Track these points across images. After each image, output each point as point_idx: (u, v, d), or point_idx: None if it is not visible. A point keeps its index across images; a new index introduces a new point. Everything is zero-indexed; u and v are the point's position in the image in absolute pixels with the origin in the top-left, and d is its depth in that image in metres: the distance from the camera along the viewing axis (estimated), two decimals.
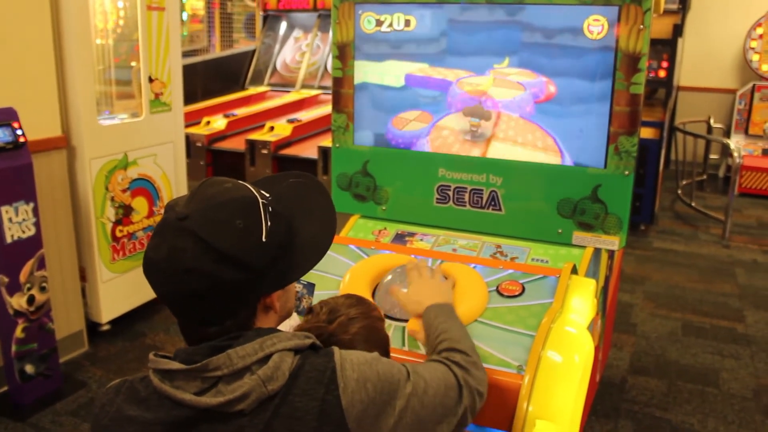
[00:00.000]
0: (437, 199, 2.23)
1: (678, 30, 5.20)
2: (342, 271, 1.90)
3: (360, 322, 1.37)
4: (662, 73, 5.27)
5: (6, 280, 2.67)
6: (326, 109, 7.22)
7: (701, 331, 3.66)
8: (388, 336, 1.44)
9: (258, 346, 1.01)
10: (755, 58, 7.17)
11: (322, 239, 1.17)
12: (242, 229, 1.00)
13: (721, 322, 3.77)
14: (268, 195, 1.08)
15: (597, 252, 2.15)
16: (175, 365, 1.00)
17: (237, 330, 1.04)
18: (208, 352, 1.00)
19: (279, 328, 1.15)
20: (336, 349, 1.08)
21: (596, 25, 1.90)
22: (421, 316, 1.50)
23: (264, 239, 1.02)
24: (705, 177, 7.12)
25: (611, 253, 2.39)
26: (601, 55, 1.92)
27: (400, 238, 2.23)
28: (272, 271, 1.04)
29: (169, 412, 0.99)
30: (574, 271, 1.85)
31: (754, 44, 7.15)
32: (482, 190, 2.16)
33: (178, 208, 1.01)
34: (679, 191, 6.24)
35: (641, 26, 1.85)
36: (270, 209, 1.05)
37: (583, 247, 2.08)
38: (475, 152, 2.16)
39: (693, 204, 5.92)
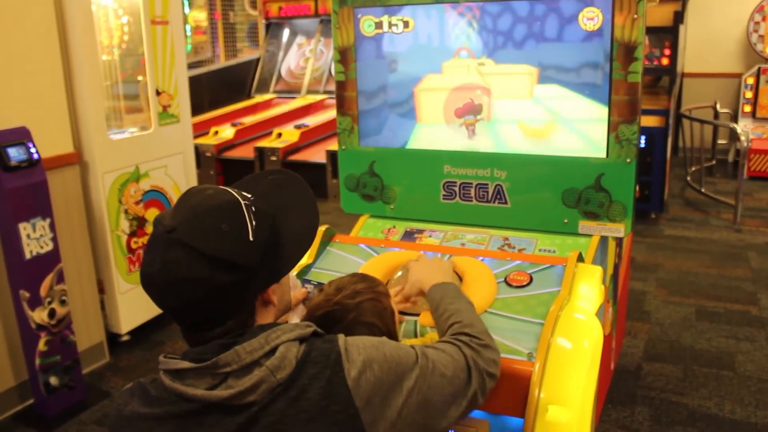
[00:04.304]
0: (444, 195, 2.27)
1: (679, 17, 5.20)
2: (352, 270, 1.94)
3: (366, 295, 1.43)
4: (665, 61, 5.27)
5: (27, 295, 2.73)
6: (332, 113, 7.27)
7: (715, 315, 3.66)
8: (393, 309, 1.49)
9: (263, 340, 1.05)
10: (759, 41, 7.15)
11: (307, 229, 1.21)
12: (229, 232, 1.04)
13: (735, 306, 3.77)
14: (249, 195, 1.12)
15: (604, 240, 2.17)
16: (186, 364, 1.04)
17: (239, 328, 1.08)
18: (216, 350, 1.04)
19: (291, 316, 1.19)
20: (341, 335, 1.12)
21: (591, 17, 1.93)
22: (425, 296, 1.53)
23: (251, 238, 1.05)
24: (714, 162, 7.10)
25: (619, 241, 2.42)
26: (597, 46, 1.95)
27: (409, 235, 2.27)
28: (264, 267, 1.08)
29: (181, 407, 1.03)
30: (581, 259, 1.88)
31: (757, 27, 7.13)
32: (487, 184, 2.20)
33: (165, 221, 1.04)
34: (689, 178, 6.23)
35: (635, 15, 1.88)
36: (253, 209, 1.08)
37: (590, 235, 2.11)
38: (478, 147, 2.19)
39: (703, 190, 5.92)
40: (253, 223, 1.07)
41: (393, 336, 1.46)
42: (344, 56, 2.30)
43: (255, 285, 1.08)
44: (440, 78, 2.19)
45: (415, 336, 1.66)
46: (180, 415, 1.03)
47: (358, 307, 1.40)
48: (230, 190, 1.11)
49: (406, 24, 2.18)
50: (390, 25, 2.20)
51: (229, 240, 1.03)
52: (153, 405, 1.05)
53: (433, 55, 2.18)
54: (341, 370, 1.06)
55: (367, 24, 2.23)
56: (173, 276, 1.01)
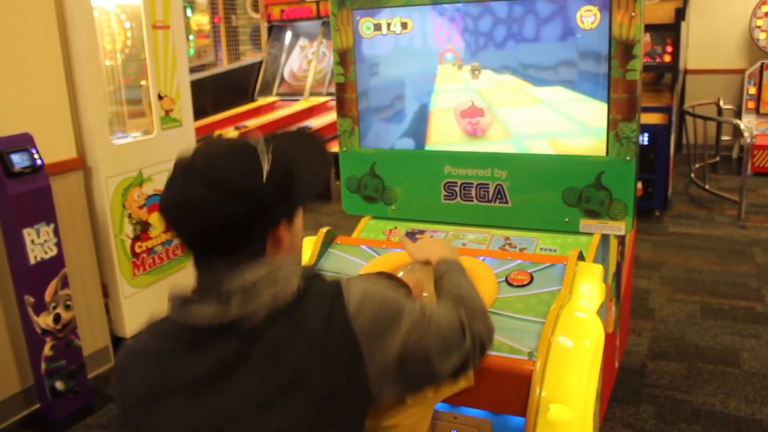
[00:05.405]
0: (445, 195, 2.27)
1: (680, 14, 5.20)
2: (354, 271, 1.95)
3: None
4: (667, 58, 5.26)
5: (32, 300, 2.74)
6: (335, 115, 7.26)
7: (720, 312, 3.66)
8: None
9: (268, 269, 1.10)
10: (762, 36, 7.13)
11: (320, 172, 1.28)
12: (246, 166, 1.09)
13: (740, 303, 3.77)
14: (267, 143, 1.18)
15: (606, 238, 2.17)
16: (191, 294, 1.10)
17: (248, 261, 1.12)
18: (222, 278, 1.08)
19: None
20: (341, 278, 1.19)
21: (588, 16, 1.93)
22: (431, 266, 1.56)
23: (266, 173, 1.10)
24: (718, 159, 7.08)
25: (621, 239, 2.42)
26: (595, 45, 1.95)
27: (410, 236, 2.27)
28: (277, 202, 1.12)
29: (186, 335, 1.08)
30: (581, 257, 1.88)
31: (759, 22, 7.11)
32: (488, 184, 2.20)
33: (184, 158, 1.11)
34: (692, 175, 6.21)
35: (633, 13, 1.88)
36: (270, 150, 1.14)
37: (591, 234, 2.11)
38: (479, 148, 2.20)
39: (707, 187, 5.90)
40: (269, 160, 1.12)
41: None
42: (344, 58, 2.31)
43: (267, 219, 1.12)
44: (450, 87, 2.20)
45: None
46: (185, 341, 1.08)
47: None
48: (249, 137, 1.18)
49: (404, 25, 2.18)
50: (389, 26, 2.21)
51: (245, 173, 1.09)
52: (160, 338, 1.11)
53: (432, 56, 2.18)
54: (341, 301, 1.10)
55: (365, 26, 2.24)
56: (189, 204, 1.06)
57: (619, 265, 2.48)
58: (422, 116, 2.25)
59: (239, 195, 1.07)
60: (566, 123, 2.06)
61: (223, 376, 1.05)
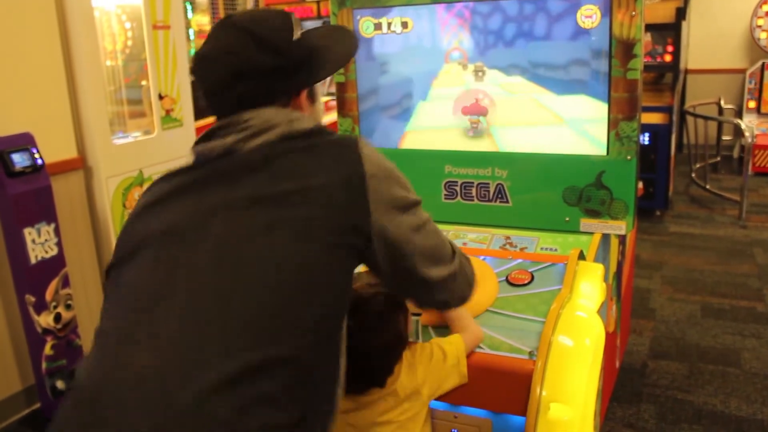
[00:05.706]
0: (445, 195, 2.27)
1: (681, 13, 5.19)
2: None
3: (381, 287, 1.43)
4: (668, 58, 5.25)
5: (33, 299, 2.75)
6: (336, 115, 7.23)
7: (721, 312, 3.65)
8: (407, 308, 1.49)
9: (285, 112, 1.16)
10: (763, 35, 7.13)
11: (346, 48, 1.34)
12: (280, 27, 1.18)
13: (741, 303, 3.76)
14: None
15: (607, 238, 2.17)
16: (214, 132, 1.17)
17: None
18: (243, 117, 1.15)
19: None
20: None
21: (589, 15, 1.93)
22: None
23: (296, 37, 1.19)
24: (719, 159, 7.07)
25: (622, 238, 2.41)
26: (596, 44, 1.95)
27: None
28: (303, 67, 1.20)
29: (205, 161, 1.16)
30: (582, 257, 1.88)
31: (760, 22, 7.10)
32: (489, 183, 2.20)
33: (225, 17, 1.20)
34: (693, 174, 6.20)
35: (633, 12, 1.88)
36: (301, 26, 1.23)
37: (591, 233, 2.11)
38: (479, 147, 2.20)
39: (708, 186, 5.89)
40: (302, 27, 1.22)
41: (403, 334, 1.48)
42: None
43: (291, 80, 1.19)
44: (446, 87, 2.19)
45: (416, 336, 1.67)
46: (202, 165, 1.15)
47: (374, 297, 1.43)
48: None
49: (405, 25, 2.18)
50: (389, 26, 2.21)
51: (279, 30, 1.18)
52: (178, 169, 1.20)
53: (433, 56, 2.18)
54: (356, 142, 1.16)
55: (366, 25, 2.24)
56: (221, 49, 1.16)
57: (619, 265, 2.48)
58: (415, 116, 2.26)
59: (270, 48, 1.14)
60: (567, 122, 2.06)
61: (226, 180, 1.10)
